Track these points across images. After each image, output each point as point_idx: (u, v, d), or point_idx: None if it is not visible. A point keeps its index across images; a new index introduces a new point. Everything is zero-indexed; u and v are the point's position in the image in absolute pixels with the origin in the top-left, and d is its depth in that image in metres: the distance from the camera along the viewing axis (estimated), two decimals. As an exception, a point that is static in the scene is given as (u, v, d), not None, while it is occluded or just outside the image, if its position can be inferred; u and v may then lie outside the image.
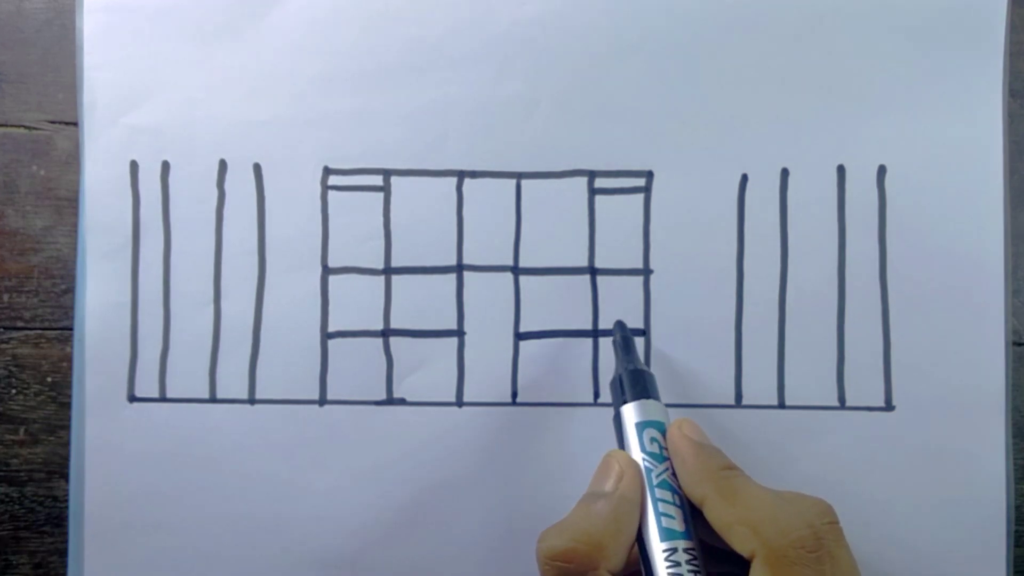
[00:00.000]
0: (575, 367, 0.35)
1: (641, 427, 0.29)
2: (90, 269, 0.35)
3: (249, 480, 0.35)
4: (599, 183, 0.35)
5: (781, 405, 0.34)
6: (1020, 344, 0.35)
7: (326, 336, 0.35)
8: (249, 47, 0.35)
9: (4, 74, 0.36)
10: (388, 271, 0.35)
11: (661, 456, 0.28)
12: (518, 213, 0.35)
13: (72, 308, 0.35)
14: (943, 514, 0.34)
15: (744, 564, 0.24)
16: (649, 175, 0.35)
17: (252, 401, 0.35)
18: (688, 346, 0.35)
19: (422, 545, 0.35)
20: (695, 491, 0.26)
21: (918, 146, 0.35)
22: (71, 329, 0.35)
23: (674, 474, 0.27)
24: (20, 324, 0.36)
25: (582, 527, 0.26)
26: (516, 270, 0.35)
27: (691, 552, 0.25)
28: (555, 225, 0.35)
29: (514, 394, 0.35)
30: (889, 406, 0.34)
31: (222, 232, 0.35)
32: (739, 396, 0.35)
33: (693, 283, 0.35)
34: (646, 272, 0.35)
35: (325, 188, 0.35)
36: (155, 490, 0.35)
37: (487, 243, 0.35)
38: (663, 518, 0.26)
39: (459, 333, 0.35)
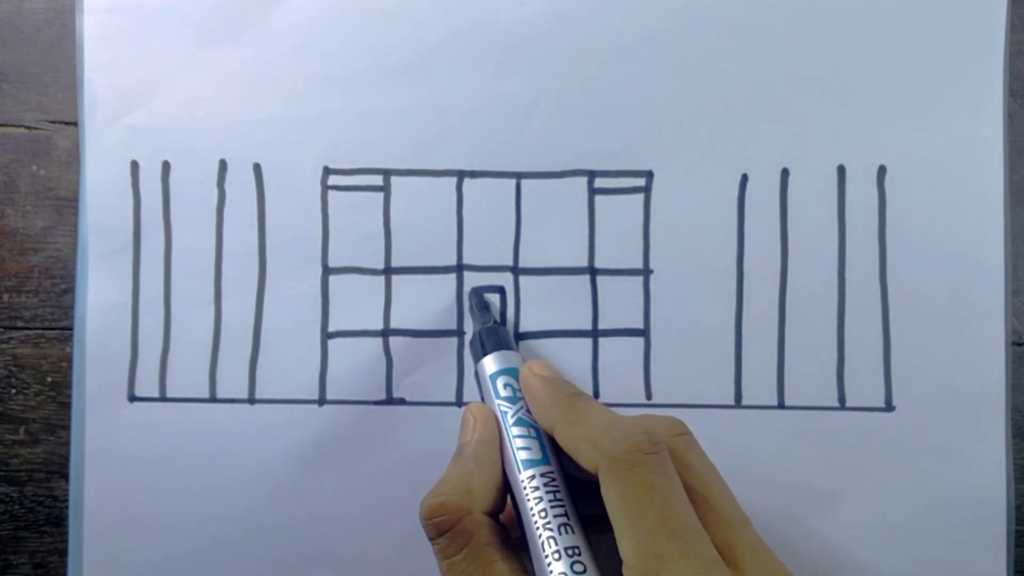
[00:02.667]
0: (575, 367, 0.35)
1: (495, 376, 0.30)
2: (90, 269, 0.35)
3: (249, 480, 0.35)
4: (599, 183, 0.35)
5: (781, 405, 0.34)
6: (1020, 344, 0.35)
7: (326, 336, 0.35)
8: (249, 47, 0.35)
9: (4, 74, 0.36)
10: (388, 271, 0.35)
11: (516, 398, 0.29)
12: (518, 213, 0.35)
13: (72, 308, 0.35)
14: (943, 514, 0.34)
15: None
16: (649, 175, 0.35)
17: (252, 401, 0.35)
18: (688, 346, 0.35)
19: (422, 545, 0.34)
20: (545, 420, 0.28)
21: (918, 146, 0.35)
22: (71, 329, 0.35)
23: (528, 411, 0.29)
24: (20, 324, 0.36)
25: (449, 480, 0.27)
26: (516, 270, 0.35)
27: (549, 475, 0.27)
28: (555, 225, 0.35)
29: (514, 394, 0.35)
30: (889, 406, 0.34)
31: (222, 232, 0.35)
32: (739, 396, 0.35)
33: (693, 283, 0.35)
34: (646, 272, 0.35)
35: (325, 188, 0.35)
36: (155, 490, 0.35)
37: (487, 243, 0.35)
38: (521, 451, 0.28)
39: (459, 333, 0.35)
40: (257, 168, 0.35)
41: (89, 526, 0.34)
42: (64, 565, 0.35)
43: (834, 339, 0.35)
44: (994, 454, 0.34)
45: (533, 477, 0.27)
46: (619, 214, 0.35)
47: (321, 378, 0.35)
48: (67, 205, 0.36)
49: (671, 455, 0.25)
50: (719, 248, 0.35)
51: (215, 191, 0.35)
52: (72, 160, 0.36)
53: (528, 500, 0.26)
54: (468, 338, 0.35)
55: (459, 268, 0.35)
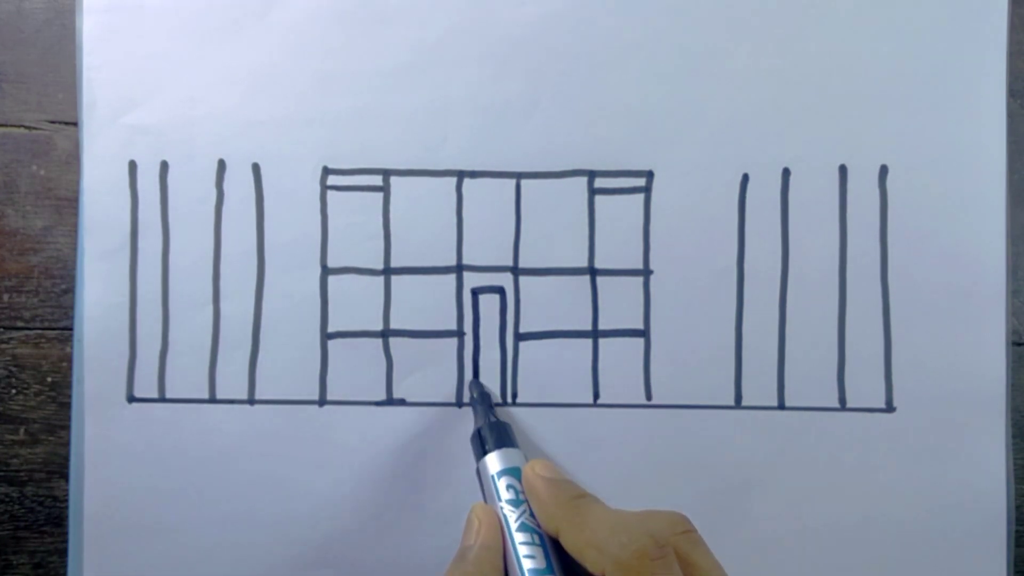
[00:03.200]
0: (575, 367, 0.35)
1: (499, 476, 0.30)
2: (89, 269, 0.35)
3: (249, 480, 0.35)
4: (599, 183, 0.35)
5: (781, 406, 0.34)
6: (1020, 344, 0.35)
7: (326, 336, 0.35)
8: (249, 46, 0.35)
9: (4, 74, 0.36)
10: (388, 271, 0.35)
11: (519, 500, 0.29)
12: (518, 213, 0.35)
13: (72, 308, 0.35)
14: (943, 514, 0.34)
15: None
16: (649, 175, 0.35)
17: (252, 401, 0.35)
18: (688, 346, 0.35)
19: (422, 545, 0.35)
20: (550, 524, 0.28)
21: (919, 146, 0.35)
22: (71, 329, 0.35)
23: (532, 514, 0.29)
24: (20, 324, 0.36)
25: None
26: (516, 270, 0.35)
27: None
28: (555, 225, 0.35)
29: (514, 394, 0.35)
30: (889, 407, 0.34)
31: (221, 232, 0.35)
32: (739, 397, 0.34)
33: (693, 283, 0.35)
34: (646, 272, 0.35)
35: (325, 188, 0.35)
36: (155, 490, 0.35)
37: (487, 243, 0.35)
38: (526, 560, 0.27)
39: (459, 333, 0.35)
40: (256, 168, 0.35)
41: (89, 526, 0.35)
42: (64, 565, 0.35)
43: (834, 339, 0.35)
44: (994, 454, 0.34)
45: None
46: (619, 214, 0.35)
47: (321, 378, 0.35)
48: (67, 205, 0.36)
49: (676, 554, 0.25)
50: (719, 248, 0.35)
51: (214, 191, 0.35)
52: (72, 160, 0.36)
53: None
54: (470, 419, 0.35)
55: (459, 268, 0.35)
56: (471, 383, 0.35)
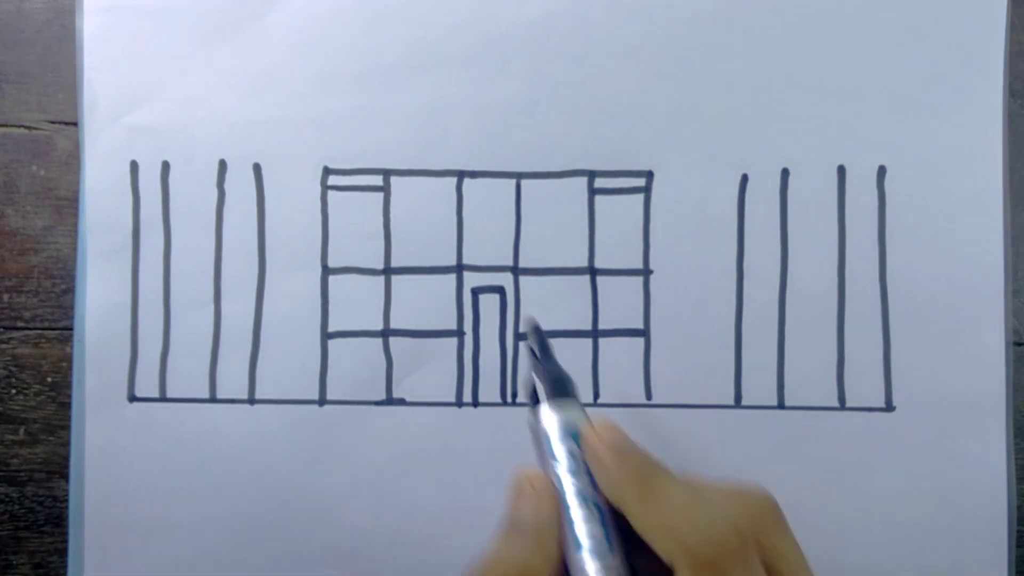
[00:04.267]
0: (575, 367, 0.35)
1: (557, 434, 0.26)
2: (90, 269, 0.35)
3: (249, 480, 0.35)
4: (599, 183, 0.35)
5: (781, 406, 0.34)
6: (1020, 344, 0.35)
7: (326, 336, 0.35)
8: (249, 47, 0.35)
9: (4, 74, 0.36)
10: (388, 271, 0.35)
11: (579, 468, 0.26)
12: (518, 213, 0.35)
13: (72, 308, 0.35)
14: (943, 514, 0.34)
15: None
16: (649, 175, 0.35)
17: (252, 401, 0.35)
18: (688, 346, 0.35)
19: (422, 545, 0.35)
20: (616, 497, 0.25)
21: (918, 146, 0.35)
22: (71, 329, 0.35)
23: (593, 483, 0.25)
24: (20, 324, 0.36)
25: (507, 562, 0.24)
26: (516, 270, 0.35)
27: (616, 571, 0.24)
28: (555, 225, 0.35)
29: (514, 394, 0.35)
30: (889, 406, 0.34)
31: (222, 232, 0.35)
32: (739, 396, 0.35)
33: (693, 283, 0.35)
34: (646, 272, 0.35)
35: (325, 188, 0.35)
36: (155, 490, 0.35)
37: (487, 243, 0.35)
38: (586, 539, 0.24)
39: (459, 333, 0.35)
40: (257, 168, 0.35)
41: (89, 526, 0.34)
42: (64, 565, 0.35)
43: (834, 339, 0.35)
44: (994, 454, 0.34)
45: (599, 572, 0.24)
46: (619, 214, 0.35)
47: (321, 378, 0.35)
48: (67, 205, 0.36)
49: (758, 541, 0.23)
50: (719, 248, 0.35)
51: (215, 191, 0.35)
52: (72, 160, 0.36)
53: None
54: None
55: (459, 268, 0.35)
56: (532, 327, 0.32)
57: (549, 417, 0.27)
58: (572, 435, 0.26)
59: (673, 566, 0.22)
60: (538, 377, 0.28)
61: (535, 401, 0.28)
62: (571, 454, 0.26)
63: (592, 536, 0.24)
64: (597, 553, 0.24)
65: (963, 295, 0.34)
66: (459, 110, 0.35)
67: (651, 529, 0.23)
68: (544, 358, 0.29)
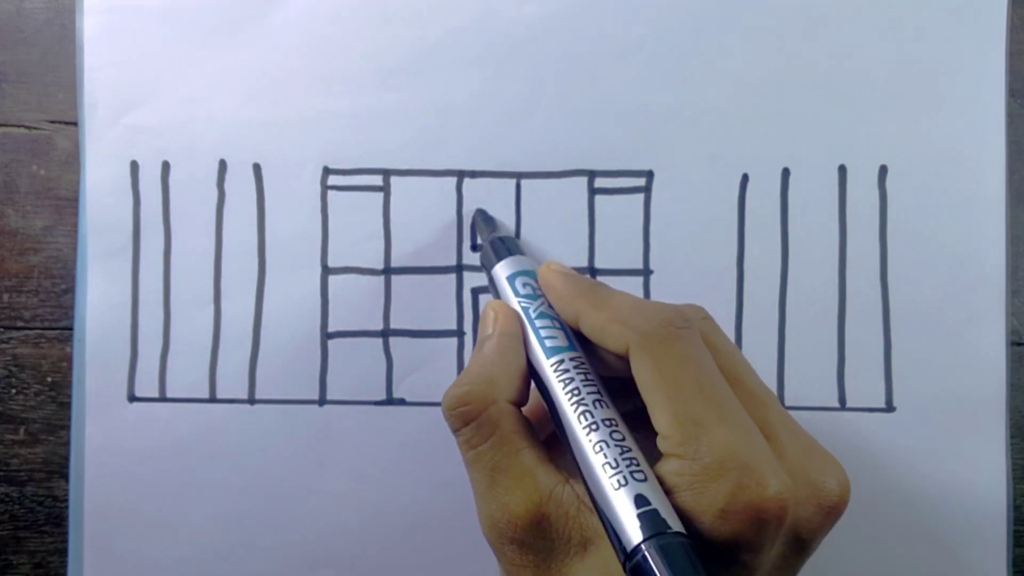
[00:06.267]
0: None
1: (513, 277, 0.30)
2: (90, 269, 0.35)
3: (249, 480, 0.35)
4: (599, 183, 0.35)
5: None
6: (1020, 344, 0.35)
7: (326, 336, 0.35)
8: (249, 47, 0.35)
9: (4, 74, 0.36)
10: (388, 271, 0.35)
11: (535, 295, 0.29)
12: (518, 213, 0.35)
13: (72, 308, 0.35)
14: (943, 514, 0.34)
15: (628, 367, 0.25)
16: (649, 175, 0.35)
17: (252, 401, 0.35)
18: (688, 346, 0.35)
19: (422, 545, 0.35)
20: (569, 311, 0.27)
21: (919, 146, 0.35)
22: (71, 329, 0.35)
23: (550, 306, 0.28)
24: (20, 324, 0.36)
25: (472, 371, 0.26)
26: (516, 270, 0.35)
27: (578, 359, 0.26)
28: (555, 225, 0.35)
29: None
30: (889, 407, 0.34)
31: (222, 232, 0.35)
32: (739, 396, 0.34)
33: (693, 283, 0.35)
34: (646, 272, 0.35)
35: (325, 188, 0.35)
36: (155, 490, 0.35)
37: (487, 243, 0.35)
38: (546, 340, 0.27)
39: (459, 333, 0.35)
40: (257, 168, 0.35)
41: (89, 526, 0.35)
42: (64, 565, 0.35)
43: (834, 339, 0.35)
44: (994, 454, 0.34)
45: (562, 361, 0.26)
46: (619, 214, 0.35)
47: (321, 378, 0.35)
48: (67, 205, 0.36)
49: (700, 331, 0.25)
50: (719, 248, 0.35)
51: (215, 191, 0.35)
52: (72, 160, 0.36)
53: (559, 382, 0.25)
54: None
55: (459, 268, 0.35)
56: (476, 211, 0.35)
57: (506, 267, 0.30)
58: (527, 272, 0.30)
59: (626, 350, 0.24)
60: (491, 244, 0.31)
61: (492, 261, 0.31)
62: (529, 286, 0.29)
63: (554, 337, 0.27)
64: (561, 349, 0.26)
65: (963, 295, 0.34)
66: (459, 110, 0.35)
67: (603, 327, 0.25)
68: (490, 227, 0.33)
